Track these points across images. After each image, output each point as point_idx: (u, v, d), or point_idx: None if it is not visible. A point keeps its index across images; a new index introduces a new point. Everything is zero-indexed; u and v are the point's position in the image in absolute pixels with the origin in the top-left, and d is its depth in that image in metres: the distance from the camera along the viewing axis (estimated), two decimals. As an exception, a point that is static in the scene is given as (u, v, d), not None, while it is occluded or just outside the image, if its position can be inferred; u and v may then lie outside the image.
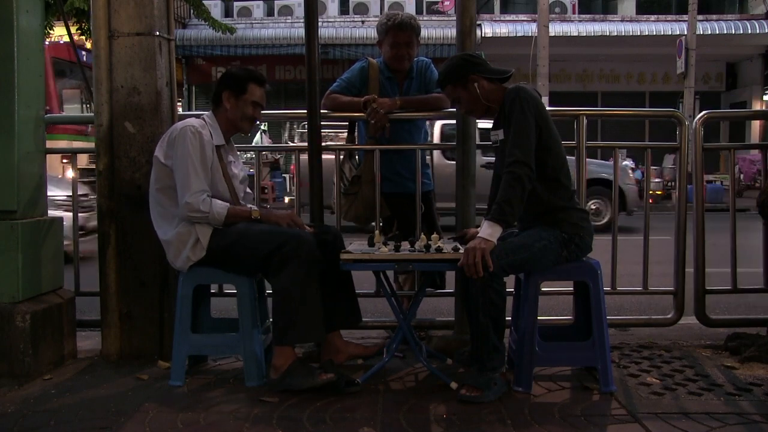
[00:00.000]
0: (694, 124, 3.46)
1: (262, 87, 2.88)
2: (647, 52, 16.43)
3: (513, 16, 16.79)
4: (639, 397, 2.55)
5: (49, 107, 8.79)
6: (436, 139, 8.33)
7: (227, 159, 2.88)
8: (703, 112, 3.49)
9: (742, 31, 15.77)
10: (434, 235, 2.74)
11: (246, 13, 17.00)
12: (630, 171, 10.11)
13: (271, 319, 2.84)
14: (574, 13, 16.55)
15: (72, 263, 3.44)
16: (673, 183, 13.15)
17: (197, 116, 2.90)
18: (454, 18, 3.23)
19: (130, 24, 2.99)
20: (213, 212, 2.67)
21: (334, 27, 15.92)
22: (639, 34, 15.74)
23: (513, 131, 2.58)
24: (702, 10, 14.71)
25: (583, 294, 2.80)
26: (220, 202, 2.72)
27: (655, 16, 16.59)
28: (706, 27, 15.31)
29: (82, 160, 8.16)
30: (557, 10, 15.99)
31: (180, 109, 3.34)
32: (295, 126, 8.32)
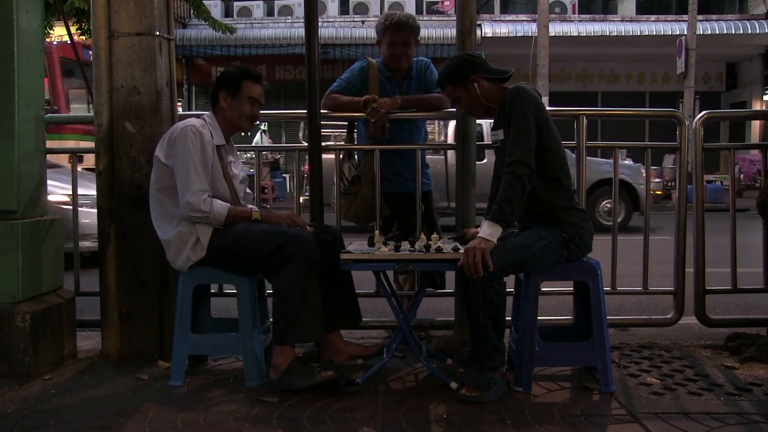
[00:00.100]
0: (694, 124, 3.46)
1: (258, 83, 2.87)
2: (647, 52, 16.43)
3: (513, 16, 16.79)
4: (639, 397, 2.55)
5: (57, 107, 8.78)
6: (450, 139, 8.34)
7: (227, 159, 2.88)
8: (703, 112, 3.49)
9: (742, 31, 15.78)
10: (434, 235, 2.74)
11: (246, 13, 17.00)
12: (643, 171, 10.09)
13: (271, 319, 2.84)
14: (574, 13, 16.55)
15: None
16: (673, 183, 13.15)
17: (197, 116, 2.90)
18: (454, 18, 3.23)
19: (130, 24, 2.99)
20: (214, 212, 2.67)
21: (334, 27, 15.92)
22: (639, 34, 15.74)
23: (513, 131, 2.58)
24: (702, 10, 14.72)
25: (583, 294, 2.80)
26: (220, 202, 2.72)
27: (655, 16, 16.59)
28: (706, 27, 15.32)
29: (91, 160, 8.15)
30: (557, 10, 15.99)
31: (180, 109, 3.34)
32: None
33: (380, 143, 3.31)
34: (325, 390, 2.58)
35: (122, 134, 3.03)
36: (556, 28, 14.41)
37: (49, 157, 3.37)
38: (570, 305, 3.22)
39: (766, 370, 2.87)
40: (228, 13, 17.12)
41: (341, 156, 3.46)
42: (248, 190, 3.01)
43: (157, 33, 3.01)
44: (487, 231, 2.49)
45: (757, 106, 17.51)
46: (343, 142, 3.76)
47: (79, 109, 9.46)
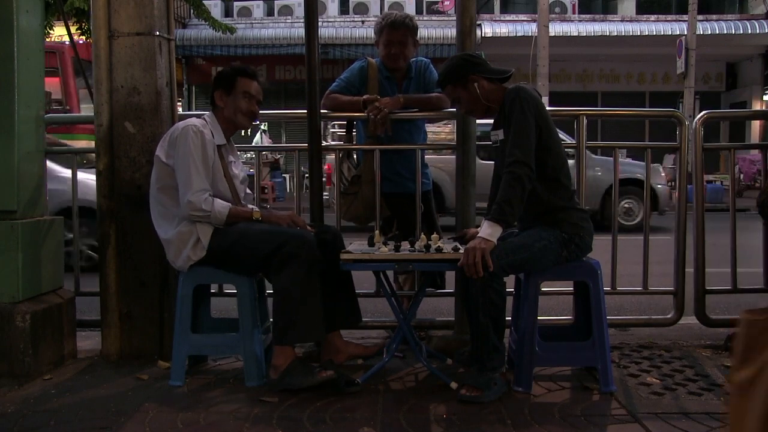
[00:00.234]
0: (694, 124, 3.46)
1: (253, 79, 2.87)
2: (647, 52, 16.43)
3: (513, 16, 16.79)
4: (639, 397, 2.55)
5: (69, 106, 8.76)
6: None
7: (228, 159, 2.88)
8: (703, 112, 3.49)
9: (742, 31, 15.78)
10: (434, 235, 2.74)
11: (246, 13, 17.00)
12: (661, 170, 10.08)
13: (271, 319, 2.84)
14: (574, 13, 16.55)
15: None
16: (673, 183, 13.15)
17: (198, 116, 2.90)
18: (454, 18, 3.23)
19: (130, 24, 2.99)
20: (215, 211, 2.67)
21: (334, 27, 15.92)
22: (639, 34, 15.74)
23: (513, 131, 2.58)
24: (702, 10, 14.71)
25: (583, 294, 2.80)
26: (221, 201, 2.72)
27: (655, 16, 16.59)
28: (706, 27, 15.32)
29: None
30: (557, 10, 15.99)
31: (180, 109, 3.34)
32: (329, 126, 8.21)
33: (380, 143, 3.31)
34: (325, 390, 2.58)
35: (122, 134, 3.03)
36: (556, 28, 14.41)
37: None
38: (570, 305, 3.22)
39: (766, 370, 2.86)
40: (228, 13, 17.12)
41: (340, 156, 3.46)
42: (248, 191, 3.01)
43: (157, 33, 3.01)
44: (487, 231, 2.49)
45: (757, 106, 17.51)
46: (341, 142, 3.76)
47: (89, 109, 9.44)
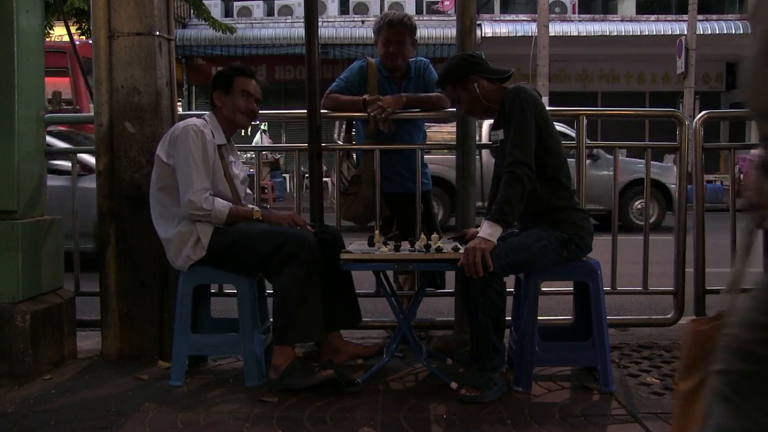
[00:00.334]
0: (694, 124, 3.46)
1: (251, 78, 2.88)
2: (647, 52, 16.43)
3: (513, 16, 16.79)
4: (639, 397, 2.55)
5: (80, 107, 8.74)
6: (485, 140, 8.36)
7: (228, 159, 2.88)
8: (703, 112, 3.49)
9: (742, 31, 15.75)
10: (434, 235, 2.74)
11: (246, 13, 17.00)
12: (675, 169, 10.09)
13: (271, 319, 2.84)
14: (574, 13, 16.55)
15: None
16: (673, 183, 13.15)
17: (198, 116, 2.90)
18: (454, 18, 3.23)
19: (130, 24, 2.99)
20: (215, 210, 2.68)
21: (334, 27, 15.92)
22: (639, 34, 15.74)
23: (513, 131, 2.58)
24: (702, 10, 14.71)
25: (583, 294, 2.80)
26: (222, 201, 2.72)
27: (655, 16, 16.59)
28: (706, 27, 15.31)
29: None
30: (557, 10, 15.99)
31: (180, 109, 3.34)
32: (343, 125, 8.25)
33: (380, 143, 3.31)
34: (325, 390, 2.58)
35: (122, 134, 3.03)
36: (556, 28, 14.41)
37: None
38: (570, 305, 3.22)
39: (766, 370, 2.86)
40: (228, 13, 17.12)
41: (340, 155, 3.46)
42: (249, 191, 3.01)
43: (157, 33, 3.01)
44: (487, 231, 2.49)
45: (757, 106, 17.47)
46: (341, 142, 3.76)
47: None
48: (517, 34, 15.36)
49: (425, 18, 16.00)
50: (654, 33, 15.67)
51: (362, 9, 16.72)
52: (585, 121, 3.38)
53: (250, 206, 2.90)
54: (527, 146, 2.55)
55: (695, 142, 3.47)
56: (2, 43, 2.81)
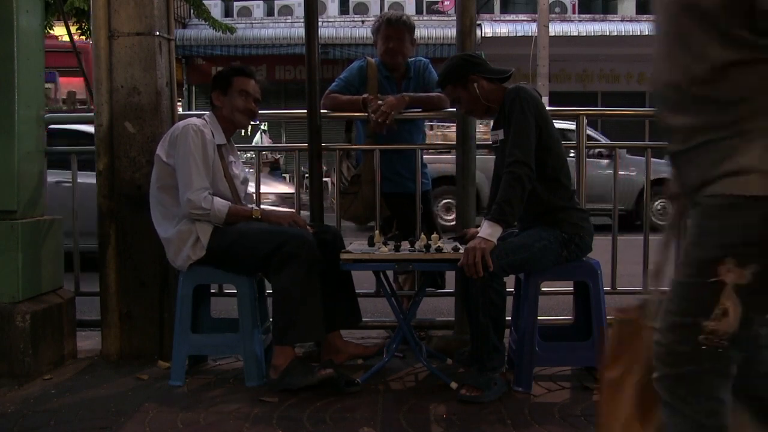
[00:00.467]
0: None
1: (249, 78, 2.88)
2: (647, 52, 15.90)
3: (513, 16, 16.78)
4: (639, 397, 2.55)
5: (93, 106, 8.73)
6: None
7: (228, 159, 2.88)
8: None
9: (742, 31, 15.76)
10: (434, 235, 2.74)
11: (246, 13, 16.99)
12: None
13: (271, 319, 2.84)
14: (574, 13, 16.55)
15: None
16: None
17: (198, 116, 2.91)
18: (454, 18, 3.23)
19: (130, 24, 2.99)
20: (214, 209, 2.68)
21: (334, 27, 15.91)
22: (639, 34, 15.72)
23: (513, 131, 2.58)
24: (702, 9, 14.68)
25: (583, 294, 2.80)
26: (221, 200, 2.72)
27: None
28: (706, 27, 15.29)
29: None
30: (557, 10, 15.98)
31: (180, 109, 3.35)
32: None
33: (379, 143, 3.31)
34: (325, 390, 2.58)
35: (122, 134, 3.03)
36: (556, 28, 14.40)
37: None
38: (570, 305, 3.22)
39: (766, 370, 2.86)
40: (228, 13, 17.11)
41: (340, 155, 3.46)
42: (249, 191, 3.01)
43: (157, 33, 3.01)
44: (487, 231, 2.49)
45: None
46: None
47: None
48: (517, 34, 15.35)
49: (425, 18, 15.99)
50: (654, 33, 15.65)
51: (362, 9, 16.71)
52: (585, 121, 3.38)
53: (250, 206, 2.90)
54: (527, 146, 2.55)
55: (695, 141, 3.47)
56: (2, 43, 2.81)
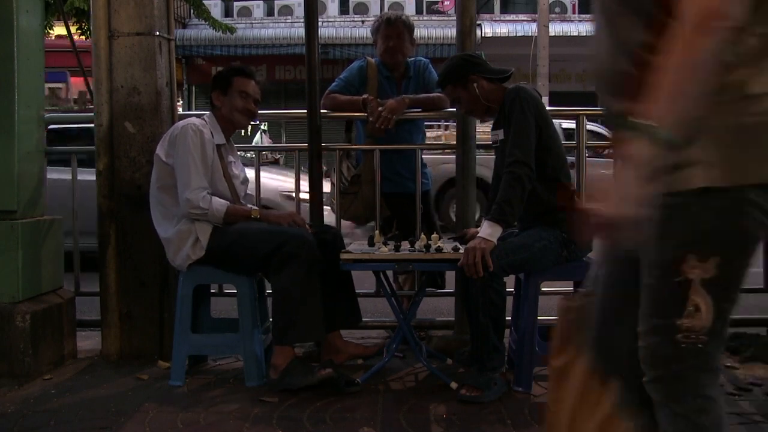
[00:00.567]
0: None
1: (249, 78, 2.88)
2: (647, 52, 16.38)
3: (513, 16, 16.77)
4: (639, 397, 2.55)
5: None
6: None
7: (228, 159, 2.88)
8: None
9: (742, 31, 15.76)
10: (434, 235, 2.74)
11: (246, 13, 16.99)
12: None
13: (271, 319, 2.84)
14: (574, 13, 16.53)
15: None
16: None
17: (198, 116, 2.91)
18: (454, 18, 3.23)
19: (130, 24, 2.99)
20: (212, 209, 2.67)
21: (334, 27, 15.91)
22: (639, 34, 15.72)
23: (513, 131, 2.58)
24: (702, 9, 14.67)
25: (583, 294, 2.80)
26: (219, 199, 2.72)
27: (655, 15, 16.56)
28: (706, 26, 15.28)
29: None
30: (557, 10, 15.97)
31: (180, 109, 3.35)
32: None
33: (379, 143, 3.31)
34: (325, 390, 2.58)
35: (122, 134, 3.03)
36: (556, 28, 14.39)
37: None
38: (570, 305, 3.22)
39: (765, 370, 2.87)
40: (228, 13, 17.10)
41: (340, 155, 3.46)
42: (249, 192, 3.01)
43: (157, 33, 3.01)
44: (487, 231, 2.49)
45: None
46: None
47: None
48: (517, 34, 15.34)
49: (425, 18, 15.98)
50: (654, 33, 15.65)
51: (362, 9, 16.71)
52: (585, 121, 3.38)
53: (249, 206, 2.90)
54: (527, 146, 2.55)
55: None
56: (2, 43, 2.81)
